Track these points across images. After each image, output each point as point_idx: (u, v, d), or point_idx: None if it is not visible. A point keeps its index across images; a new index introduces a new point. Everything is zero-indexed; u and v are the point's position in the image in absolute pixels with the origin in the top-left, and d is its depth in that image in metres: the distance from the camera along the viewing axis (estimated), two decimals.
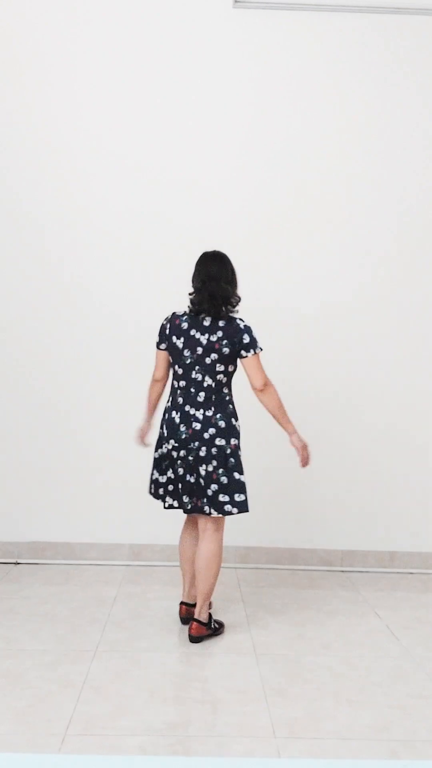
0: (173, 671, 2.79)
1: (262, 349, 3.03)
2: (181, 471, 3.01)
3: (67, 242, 4.05)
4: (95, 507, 4.10)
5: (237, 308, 3.08)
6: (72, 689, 2.57)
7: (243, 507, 3.01)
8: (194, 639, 3.01)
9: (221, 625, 3.15)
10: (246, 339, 2.99)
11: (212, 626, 3.08)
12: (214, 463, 2.97)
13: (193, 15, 3.99)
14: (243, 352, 3.00)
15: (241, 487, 3.01)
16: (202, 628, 3.02)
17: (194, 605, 3.15)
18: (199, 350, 2.99)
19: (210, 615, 3.09)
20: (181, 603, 3.22)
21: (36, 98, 4.01)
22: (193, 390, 3.02)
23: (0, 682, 2.61)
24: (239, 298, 3.08)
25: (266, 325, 3.94)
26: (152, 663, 2.82)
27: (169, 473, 3.07)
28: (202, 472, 2.98)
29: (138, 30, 3.99)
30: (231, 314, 3.05)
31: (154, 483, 3.14)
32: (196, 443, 2.97)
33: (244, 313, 3.17)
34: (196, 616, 3.04)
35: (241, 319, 3.04)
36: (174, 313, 3.09)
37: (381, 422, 4.15)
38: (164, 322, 3.10)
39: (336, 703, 2.54)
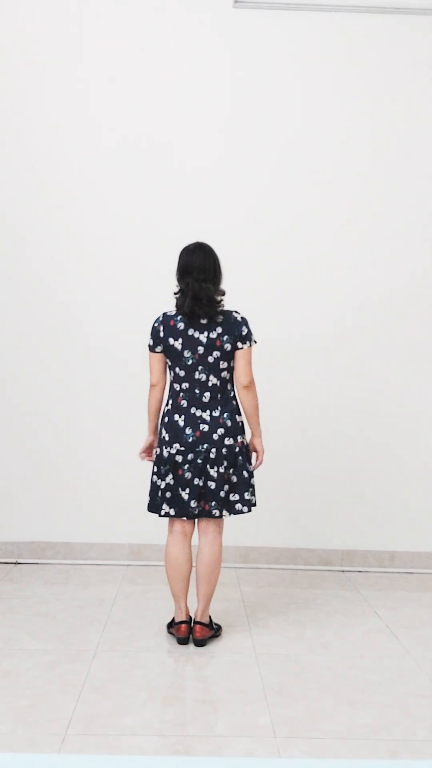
0: (173, 671, 2.79)
1: (256, 342, 3.02)
2: (188, 475, 2.92)
3: (61, 250, 4.05)
4: (95, 507, 4.10)
5: (223, 301, 2.98)
6: (72, 689, 2.57)
7: (252, 504, 3.02)
8: (200, 642, 2.98)
9: (220, 626, 3.15)
10: (244, 331, 2.95)
11: (212, 627, 3.08)
12: (225, 463, 2.94)
13: (193, 15, 3.99)
14: (239, 344, 2.94)
15: (249, 485, 3.02)
16: (206, 630, 3.01)
17: (191, 621, 3.04)
18: (201, 349, 2.92)
19: (209, 616, 3.08)
20: (181, 622, 3.01)
21: (34, 102, 4.01)
22: (197, 391, 2.95)
23: (0, 682, 2.61)
24: (223, 292, 2.97)
25: (268, 326, 3.94)
26: (152, 663, 2.82)
27: (168, 479, 2.94)
28: (214, 474, 2.93)
29: (138, 30, 3.99)
30: (222, 308, 2.96)
31: (153, 491, 3.01)
32: (206, 445, 2.92)
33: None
34: (199, 619, 3.00)
35: (236, 312, 2.99)
36: (165, 314, 2.98)
37: (381, 422, 4.14)
38: (156, 324, 2.98)
39: (336, 703, 2.54)
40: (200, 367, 2.94)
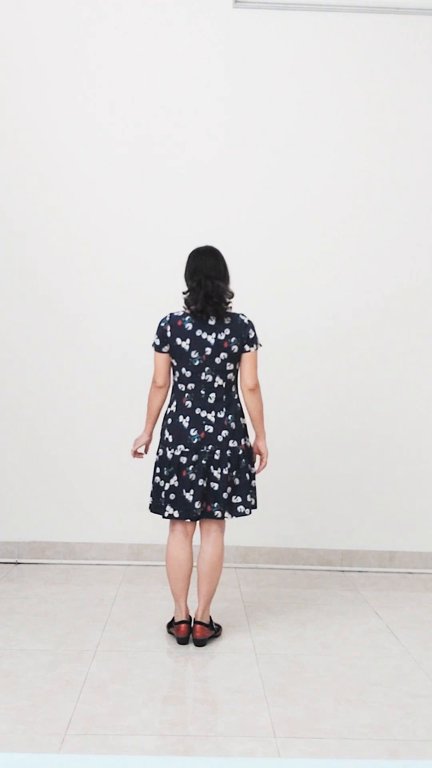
0: (173, 671, 2.79)
1: (261, 345, 3.03)
2: (193, 476, 2.92)
3: (63, 253, 4.06)
4: (95, 507, 4.10)
5: (231, 303, 3.00)
6: (72, 689, 2.57)
7: (253, 506, 3.03)
8: (200, 642, 2.98)
9: (220, 626, 3.15)
10: (251, 334, 2.97)
11: (213, 627, 3.08)
12: (229, 465, 2.94)
13: (193, 15, 3.99)
14: (247, 347, 2.96)
15: (251, 487, 3.02)
16: (206, 630, 3.00)
17: (190, 621, 3.04)
18: (208, 350, 2.92)
19: (210, 616, 3.08)
20: (181, 622, 3.01)
21: (34, 101, 4.01)
22: (203, 392, 2.95)
23: (0, 682, 2.61)
24: (232, 294, 2.99)
25: (268, 324, 3.95)
26: (152, 663, 2.82)
27: (173, 480, 2.93)
28: (217, 476, 2.93)
29: (138, 30, 3.99)
30: (230, 310, 2.98)
31: (155, 492, 3.01)
32: (210, 446, 2.92)
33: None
34: (199, 619, 3.00)
35: (243, 315, 3.00)
36: (172, 314, 2.98)
37: (381, 422, 4.14)
38: (162, 324, 2.97)
39: (336, 702, 2.54)
40: (207, 368, 2.93)
